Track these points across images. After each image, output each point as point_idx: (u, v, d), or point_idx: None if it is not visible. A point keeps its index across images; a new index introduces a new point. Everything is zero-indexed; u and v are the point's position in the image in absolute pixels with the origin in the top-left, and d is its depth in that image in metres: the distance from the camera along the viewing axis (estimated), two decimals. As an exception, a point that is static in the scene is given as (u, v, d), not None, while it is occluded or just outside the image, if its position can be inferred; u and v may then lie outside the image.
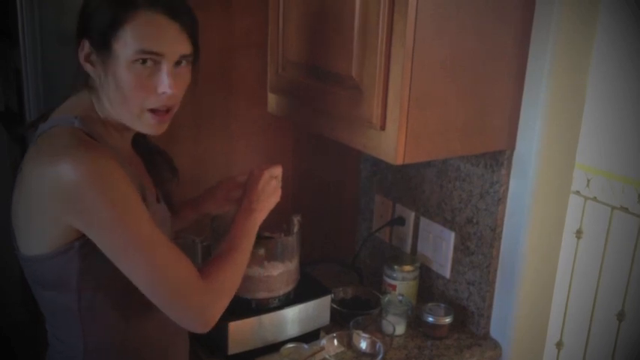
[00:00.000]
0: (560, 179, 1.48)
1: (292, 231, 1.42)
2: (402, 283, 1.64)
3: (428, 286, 1.71)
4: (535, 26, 1.34)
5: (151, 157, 1.24)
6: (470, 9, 1.23)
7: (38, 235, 1.02)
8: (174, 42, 1.02)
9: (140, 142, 1.21)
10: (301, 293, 1.45)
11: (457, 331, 1.58)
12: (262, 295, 1.39)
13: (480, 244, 1.53)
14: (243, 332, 1.37)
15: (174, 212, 1.27)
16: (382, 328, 1.49)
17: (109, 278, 1.02)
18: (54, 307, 1.09)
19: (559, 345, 2.69)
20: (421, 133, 1.24)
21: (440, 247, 1.65)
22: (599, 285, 2.58)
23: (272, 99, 1.56)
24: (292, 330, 1.43)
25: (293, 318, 1.42)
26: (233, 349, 1.37)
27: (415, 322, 1.59)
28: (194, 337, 1.31)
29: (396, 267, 1.64)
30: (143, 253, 0.99)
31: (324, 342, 1.40)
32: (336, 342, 1.42)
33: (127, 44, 0.99)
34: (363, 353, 1.42)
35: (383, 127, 1.23)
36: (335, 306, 1.55)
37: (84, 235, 0.99)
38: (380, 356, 1.36)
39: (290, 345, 1.38)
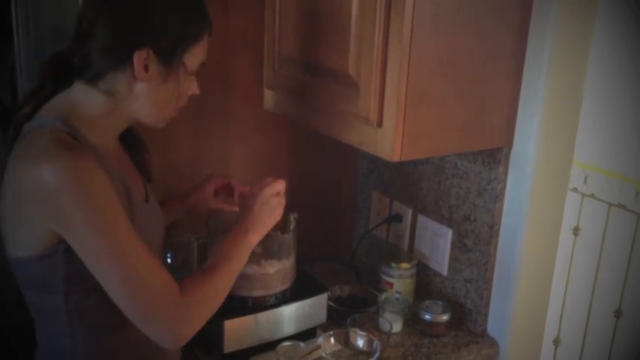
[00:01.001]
0: (557, 176, 1.48)
1: (289, 229, 1.42)
2: (399, 280, 1.63)
3: (425, 284, 1.70)
4: (533, 23, 1.33)
5: (137, 150, 1.22)
6: (468, 7, 1.22)
7: (24, 237, 1.00)
8: None
9: (126, 134, 1.18)
10: (298, 291, 1.44)
11: (454, 328, 1.58)
12: (258, 292, 1.38)
13: (477, 242, 1.53)
14: (239, 330, 1.36)
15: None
16: (379, 326, 1.49)
17: (95, 281, 0.99)
18: (42, 308, 1.08)
19: (556, 342, 2.69)
20: (418, 130, 1.23)
21: (437, 244, 1.64)
22: (596, 282, 2.59)
23: (268, 96, 1.55)
24: (289, 328, 1.43)
25: (289, 316, 1.42)
26: (229, 347, 1.36)
27: (412, 320, 1.59)
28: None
29: (393, 264, 1.63)
30: (118, 261, 0.96)
31: (320, 340, 1.40)
32: (332, 340, 1.42)
33: (193, 58, 1.08)
34: (360, 351, 1.41)
35: (380, 124, 1.23)
36: (332, 304, 1.55)
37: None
38: (377, 354, 1.36)
39: (286, 343, 1.37)
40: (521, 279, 1.49)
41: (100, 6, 1.02)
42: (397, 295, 1.60)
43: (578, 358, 2.67)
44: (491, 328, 1.56)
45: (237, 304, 1.36)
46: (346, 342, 1.43)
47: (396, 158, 1.23)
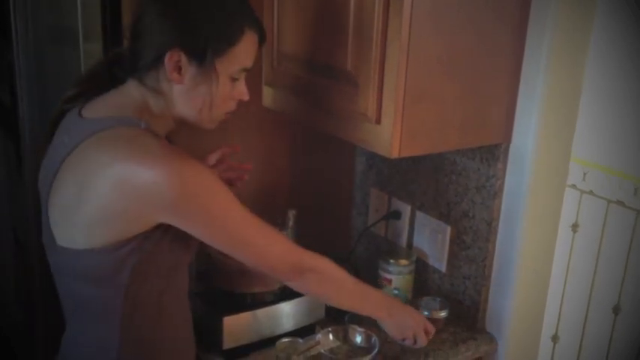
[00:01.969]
0: (556, 173, 1.48)
1: (288, 225, 1.42)
2: (397, 277, 1.64)
3: (424, 280, 1.70)
4: (532, 20, 1.33)
5: None
6: (467, 5, 1.22)
7: (91, 229, 1.00)
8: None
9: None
10: (296, 287, 1.45)
11: (453, 325, 1.58)
12: (257, 289, 1.39)
13: (475, 238, 1.53)
14: (238, 327, 1.37)
15: None
16: (378, 323, 1.49)
17: (158, 266, 1.05)
18: (91, 301, 1.07)
19: (555, 338, 2.70)
20: (417, 126, 1.24)
21: (436, 240, 1.65)
22: (595, 278, 2.59)
23: (267, 93, 1.55)
24: (287, 324, 1.43)
25: (288, 312, 1.42)
26: (228, 343, 1.36)
27: (411, 316, 1.59)
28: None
29: (391, 261, 1.64)
30: (252, 240, 1.08)
31: (319, 336, 1.40)
32: (331, 336, 1.42)
33: (231, 62, 1.06)
34: (359, 347, 1.41)
35: (378, 121, 1.23)
36: (330, 300, 1.55)
37: (149, 230, 1.00)
38: (375, 350, 1.36)
39: (285, 339, 1.37)
40: (520, 276, 1.49)
41: (143, 5, 1.06)
42: (396, 292, 1.60)
43: (576, 355, 2.67)
44: (490, 325, 1.56)
45: (236, 301, 1.37)
46: (345, 338, 1.43)
47: (394, 155, 1.23)
